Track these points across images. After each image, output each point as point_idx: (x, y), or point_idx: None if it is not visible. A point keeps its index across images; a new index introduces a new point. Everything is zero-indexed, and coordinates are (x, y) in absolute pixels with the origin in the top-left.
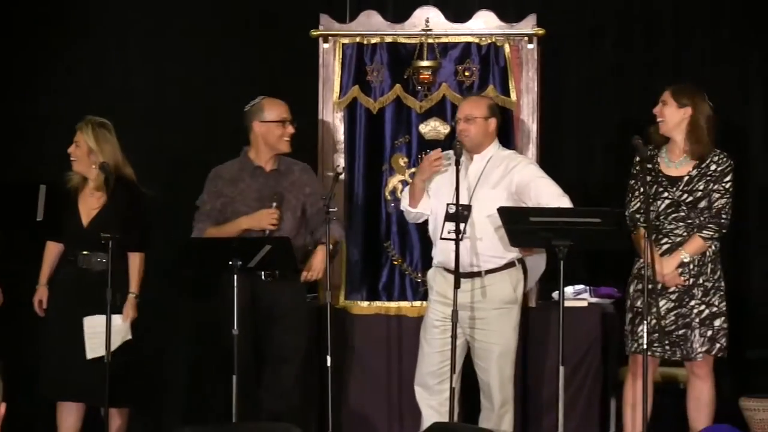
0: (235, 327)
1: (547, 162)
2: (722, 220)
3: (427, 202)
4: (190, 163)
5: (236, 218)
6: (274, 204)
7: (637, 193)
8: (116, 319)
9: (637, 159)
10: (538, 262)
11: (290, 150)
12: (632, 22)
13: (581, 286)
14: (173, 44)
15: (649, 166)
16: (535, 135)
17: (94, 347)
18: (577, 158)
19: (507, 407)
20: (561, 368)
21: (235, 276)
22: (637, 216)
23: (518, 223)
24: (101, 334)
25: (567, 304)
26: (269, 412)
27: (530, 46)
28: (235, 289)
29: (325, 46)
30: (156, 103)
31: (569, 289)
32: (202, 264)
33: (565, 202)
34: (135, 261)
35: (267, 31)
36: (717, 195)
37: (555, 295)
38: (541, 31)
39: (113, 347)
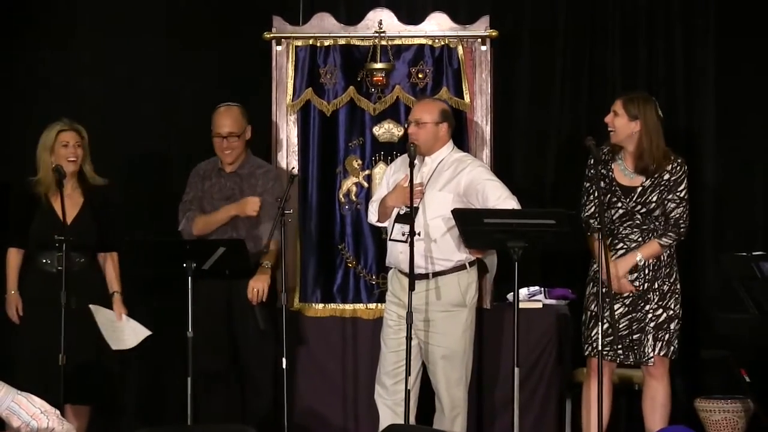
0: (190, 329)
1: (500, 163)
2: (681, 229)
3: None
4: (144, 163)
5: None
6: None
7: (592, 197)
8: (127, 321)
9: (591, 161)
10: (491, 260)
11: (230, 161)
12: (584, 24)
13: (535, 288)
14: (127, 45)
15: (604, 171)
16: (488, 136)
17: (116, 340)
18: (530, 159)
19: (457, 410)
20: (516, 369)
21: (190, 278)
22: (591, 221)
23: (472, 224)
24: (115, 328)
25: (521, 305)
26: (251, 411)
27: (483, 47)
28: (190, 291)
29: (278, 48)
30: (110, 105)
31: (523, 291)
32: (157, 265)
33: (511, 204)
34: (110, 261)
35: (220, 32)
36: (673, 204)
37: (509, 296)
38: (494, 33)
39: (135, 343)
